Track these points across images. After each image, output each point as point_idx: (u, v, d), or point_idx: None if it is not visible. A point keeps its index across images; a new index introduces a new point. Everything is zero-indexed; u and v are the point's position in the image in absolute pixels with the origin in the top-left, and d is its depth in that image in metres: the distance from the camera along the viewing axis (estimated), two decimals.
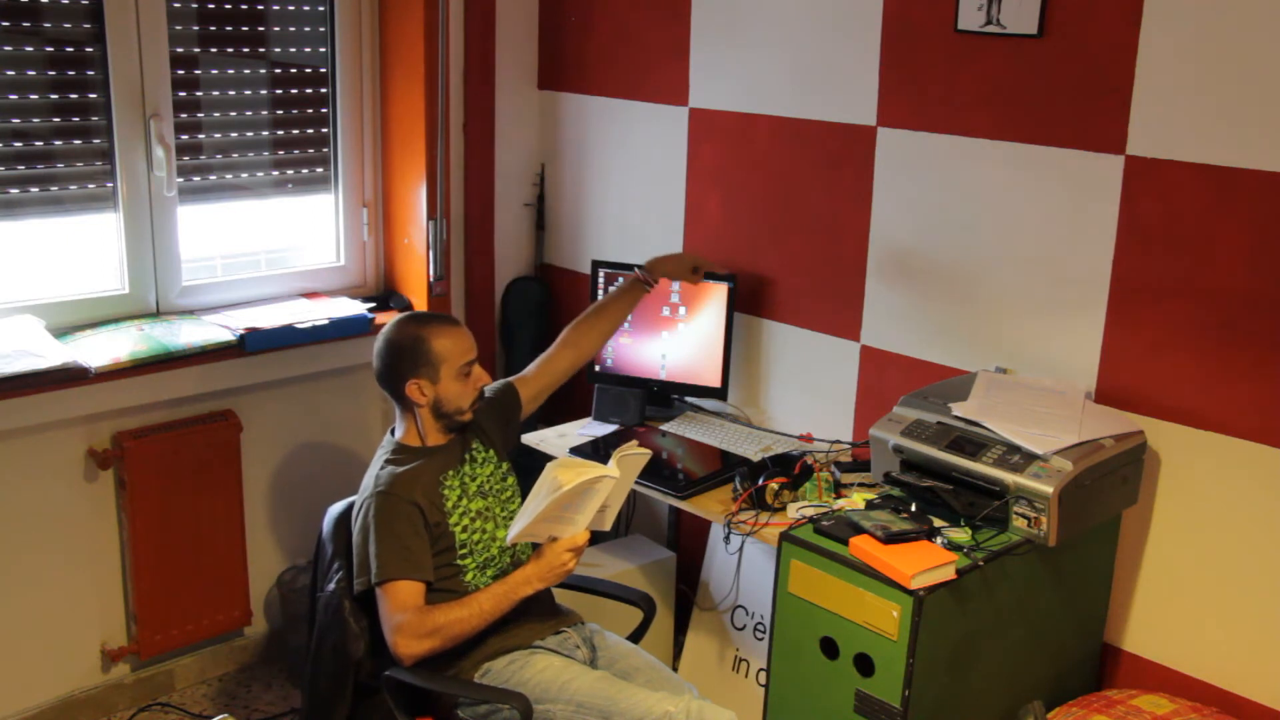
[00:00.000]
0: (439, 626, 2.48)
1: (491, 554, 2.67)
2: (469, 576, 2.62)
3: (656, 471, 3.12)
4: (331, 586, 2.65)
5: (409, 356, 2.63)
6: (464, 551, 2.63)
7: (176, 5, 3.27)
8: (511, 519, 2.73)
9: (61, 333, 3.16)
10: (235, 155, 3.49)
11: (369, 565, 2.53)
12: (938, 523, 2.51)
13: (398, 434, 2.71)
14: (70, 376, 2.98)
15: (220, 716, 2.47)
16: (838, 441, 3.25)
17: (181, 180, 3.36)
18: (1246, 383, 2.57)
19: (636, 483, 3.07)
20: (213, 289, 3.50)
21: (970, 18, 2.85)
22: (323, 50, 3.61)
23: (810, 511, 2.69)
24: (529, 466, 3.74)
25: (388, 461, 2.65)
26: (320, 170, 3.68)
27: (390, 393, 2.69)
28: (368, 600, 2.58)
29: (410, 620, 2.47)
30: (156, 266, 3.36)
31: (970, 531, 2.50)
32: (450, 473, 2.67)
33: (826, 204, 3.24)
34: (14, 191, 3.11)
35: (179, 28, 3.29)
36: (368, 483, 2.64)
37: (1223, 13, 2.49)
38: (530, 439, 3.37)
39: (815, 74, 3.21)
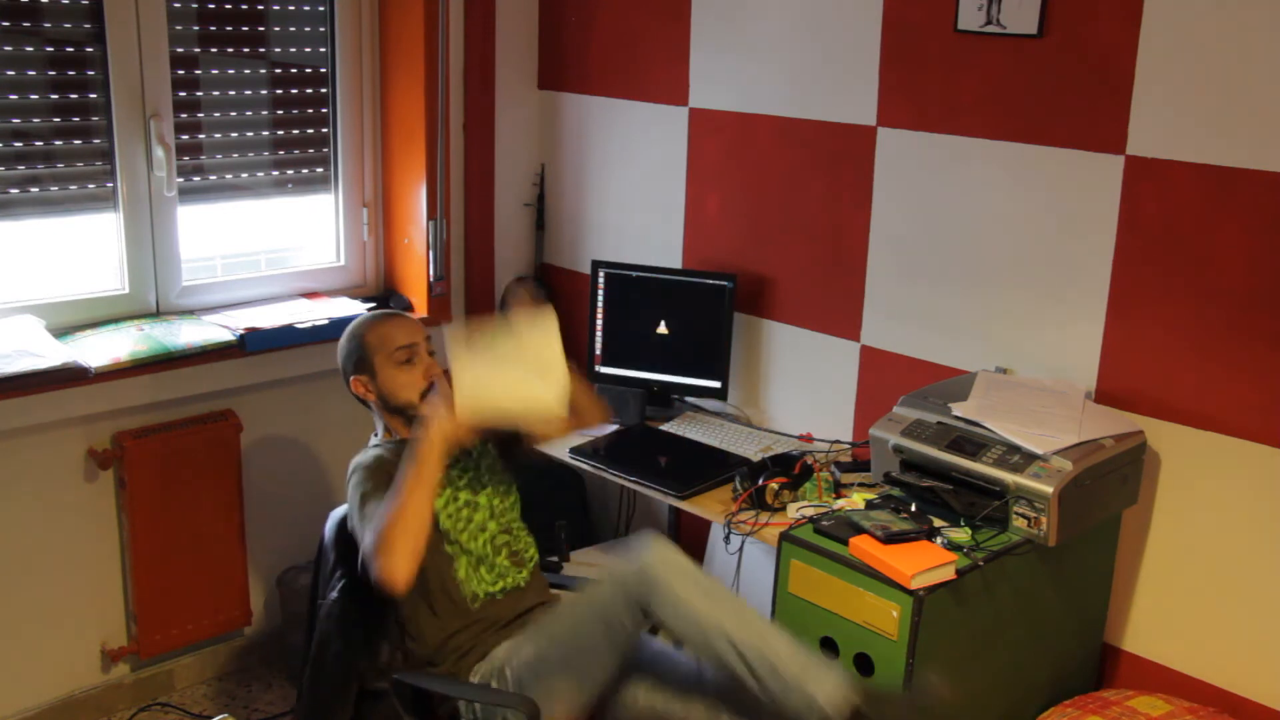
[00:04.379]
0: (382, 531, 2.39)
1: (484, 553, 2.66)
2: (461, 574, 2.61)
3: (657, 471, 3.13)
4: (334, 594, 2.64)
5: (347, 356, 2.68)
6: (450, 538, 2.61)
7: (176, 5, 3.27)
8: (506, 515, 2.72)
9: (61, 333, 3.16)
10: (235, 155, 3.49)
11: (360, 521, 2.51)
12: (938, 523, 2.51)
13: (378, 434, 2.74)
14: (70, 376, 2.98)
15: (220, 716, 2.47)
16: (838, 441, 3.25)
17: (181, 180, 3.36)
18: (1246, 383, 2.57)
19: (637, 482, 3.08)
20: (213, 289, 3.50)
21: (970, 18, 2.85)
22: (323, 50, 3.61)
23: (810, 511, 2.69)
24: (530, 467, 3.74)
25: (369, 450, 2.68)
26: (320, 170, 3.68)
27: (354, 398, 2.72)
28: (368, 604, 2.58)
29: (368, 542, 2.44)
30: (156, 266, 3.36)
31: (970, 531, 2.50)
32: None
33: (826, 204, 3.24)
34: (14, 191, 3.11)
35: (179, 28, 3.29)
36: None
37: (1223, 13, 2.49)
38: None
39: (815, 74, 3.21)
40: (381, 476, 2.54)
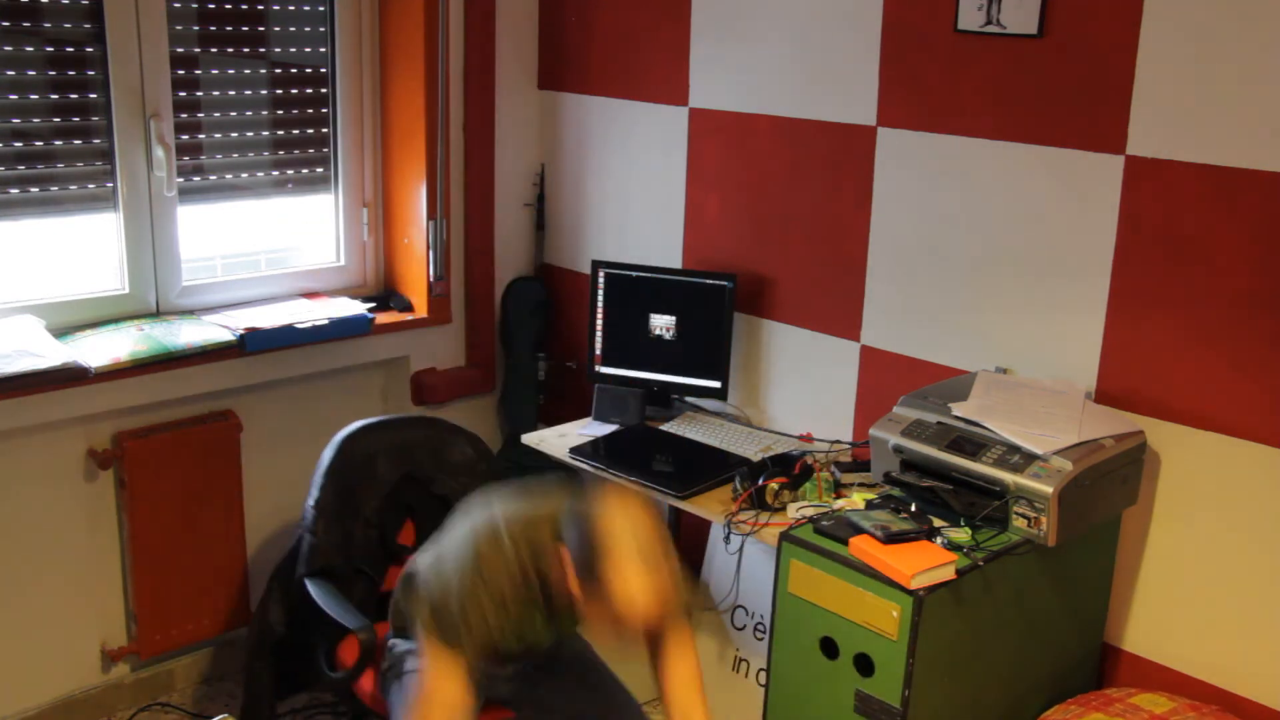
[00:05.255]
0: None
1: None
2: None
3: (657, 471, 3.13)
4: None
5: (585, 558, 2.08)
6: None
7: (176, 5, 3.27)
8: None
9: (61, 333, 3.16)
10: (235, 155, 3.49)
11: None
12: (938, 523, 2.51)
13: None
14: (70, 376, 2.98)
15: (220, 716, 2.46)
16: (838, 441, 3.25)
17: (181, 180, 3.36)
18: (1246, 382, 2.57)
19: (637, 482, 3.08)
20: (213, 289, 3.50)
21: (970, 18, 2.85)
22: (323, 50, 3.61)
23: (810, 511, 2.69)
24: (530, 467, 3.75)
25: None
26: (320, 170, 3.68)
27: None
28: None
29: None
30: (156, 266, 3.36)
31: (970, 531, 2.50)
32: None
33: (826, 204, 3.24)
34: (14, 191, 3.11)
35: (179, 28, 3.29)
36: None
37: (1223, 13, 2.49)
38: (530, 439, 3.37)
39: (815, 74, 3.21)
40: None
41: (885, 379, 3.18)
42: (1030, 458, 2.50)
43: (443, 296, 3.77)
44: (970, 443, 2.58)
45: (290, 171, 3.62)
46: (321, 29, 3.59)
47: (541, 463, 3.41)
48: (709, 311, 3.43)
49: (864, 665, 2.42)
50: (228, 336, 3.27)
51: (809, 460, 2.98)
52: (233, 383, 3.36)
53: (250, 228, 3.61)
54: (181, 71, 3.30)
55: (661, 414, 3.49)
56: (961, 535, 2.48)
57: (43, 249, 3.22)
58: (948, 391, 2.77)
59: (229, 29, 3.42)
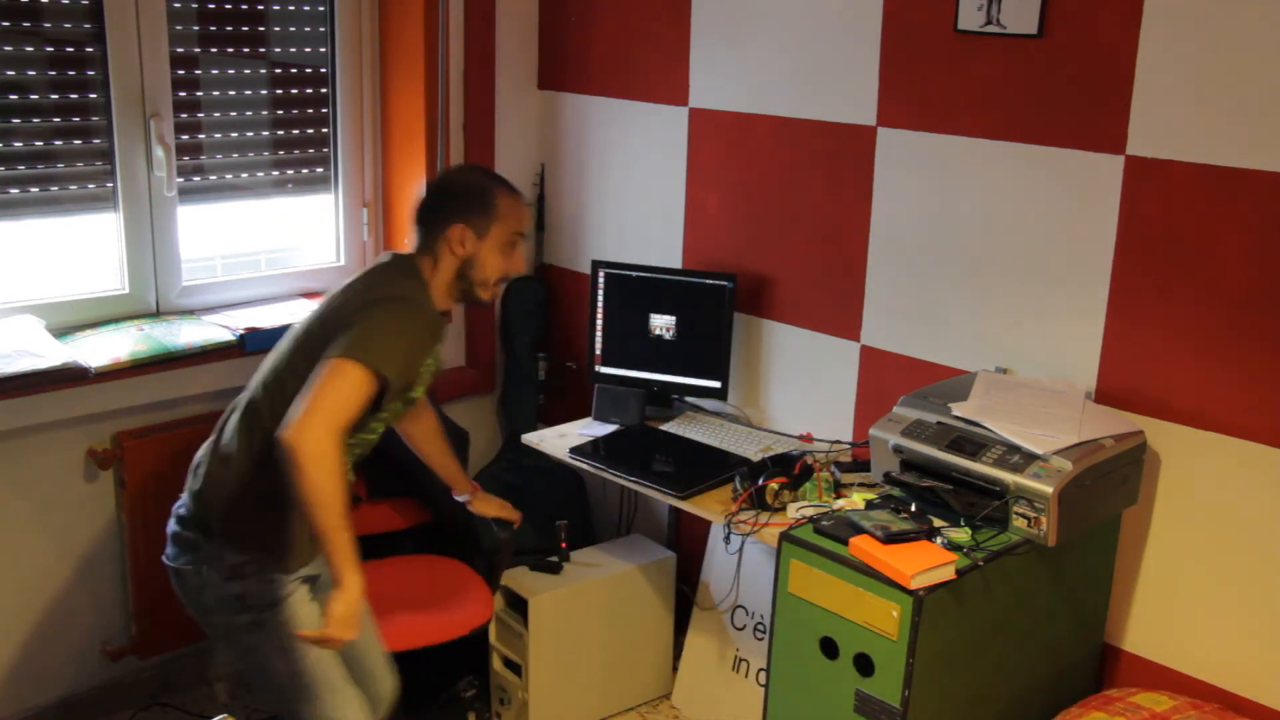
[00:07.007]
0: (330, 468, 2.20)
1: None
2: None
3: (657, 471, 3.13)
4: None
5: (466, 198, 2.44)
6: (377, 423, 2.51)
7: (176, 5, 3.27)
8: None
9: (61, 333, 3.16)
10: (235, 155, 3.49)
11: (348, 340, 2.26)
12: (938, 523, 2.51)
13: (415, 268, 2.45)
14: (70, 376, 2.98)
15: (220, 716, 2.46)
16: (838, 441, 3.25)
17: (181, 180, 3.36)
18: (1247, 383, 2.57)
19: (637, 482, 3.08)
20: (213, 289, 3.50)
21: (970, 18, 2.85)
22: (323, 50, 3.61)
23: (810, 511, 2.69)
24: (530, 467, 3.75)
25: (417, 287, 2.42)
26: (320, 170, 3.68)
27: (426, 232, 2.45)
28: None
29: (333, 421, 2.20)
30: (156, 266, 3.36)
31: (970, 531, 2.50)
32: (437, 348, 2.56)
33: (826, 204, 3.25)
34: (14, 191, 3.11)
35: (179, 28, 3.29)
36: (379, 291, 2.37)
37: (1223, 13, 2.49)
38: (530, 439, 3.38)
39: (815, 74, 3.21)
40: (421, 331, 2.39)
41: (885, 379, 3.18)
42: (1030, 458, 2.50)
43: None
44: (970, 443, 2.58)
45: (290, 171, 3.62)
46: (321, 29, 3.59)
47: (542, 463, 3.41)
48: (709, 311, 3.43)
49: (864, 665, 2.42)
50: (228, 336, 3.27)
51: (809, 460, 2.98)
52: (233, 383, 3.35)
53: (250, 228, 3.61)
54: (181, 71, 3.30)
55: (661, 414, 3.49)
56: (961, 535, 2.48)
57: (43, 249, 3.22)
58: (948, 391, 2.77)
59: (229, 29, 3.42)
